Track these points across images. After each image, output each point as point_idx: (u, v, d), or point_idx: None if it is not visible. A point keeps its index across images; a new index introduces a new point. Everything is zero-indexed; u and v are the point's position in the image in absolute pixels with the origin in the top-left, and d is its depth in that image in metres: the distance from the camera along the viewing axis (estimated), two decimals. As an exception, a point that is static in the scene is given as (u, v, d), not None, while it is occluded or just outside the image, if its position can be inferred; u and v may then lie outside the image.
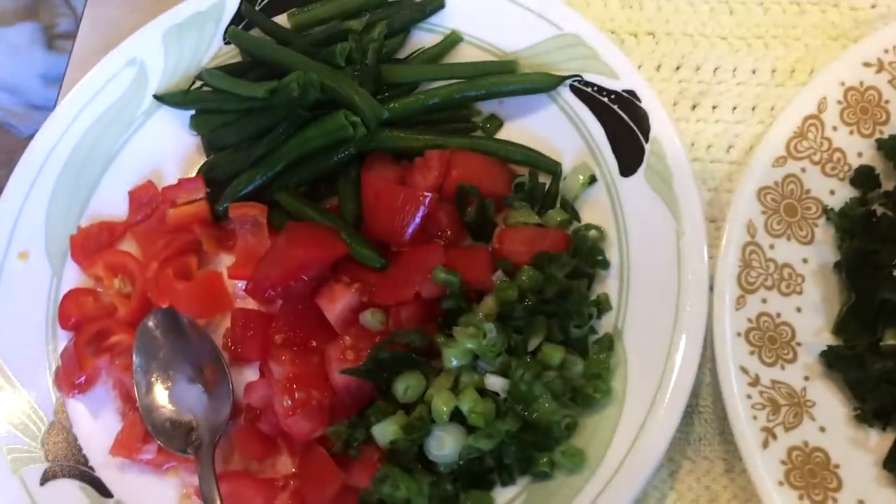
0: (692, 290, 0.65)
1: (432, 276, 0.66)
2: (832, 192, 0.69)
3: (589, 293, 0.69)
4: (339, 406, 0.68)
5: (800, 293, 0.67)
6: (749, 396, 0.63)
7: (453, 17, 0.80)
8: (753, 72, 0.77)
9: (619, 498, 0.61)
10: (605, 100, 0.73)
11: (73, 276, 0.79)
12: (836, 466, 0.61)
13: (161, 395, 0.72)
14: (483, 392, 0.64)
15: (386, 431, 0.64)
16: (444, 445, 0.63)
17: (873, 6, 0.78)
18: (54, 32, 2.78)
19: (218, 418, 0.71)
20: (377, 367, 0.65)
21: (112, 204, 0.82)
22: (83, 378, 0.74)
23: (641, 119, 0.71)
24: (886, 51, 0.71)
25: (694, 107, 0.77)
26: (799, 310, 0.66)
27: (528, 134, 0.76)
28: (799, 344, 0.65)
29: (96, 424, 0.74)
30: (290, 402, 0.65)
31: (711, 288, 0.66)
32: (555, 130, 0.75)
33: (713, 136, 0.76)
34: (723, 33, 0.79)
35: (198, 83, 0.82)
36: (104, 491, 0.71)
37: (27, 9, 2.76)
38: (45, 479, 0.71)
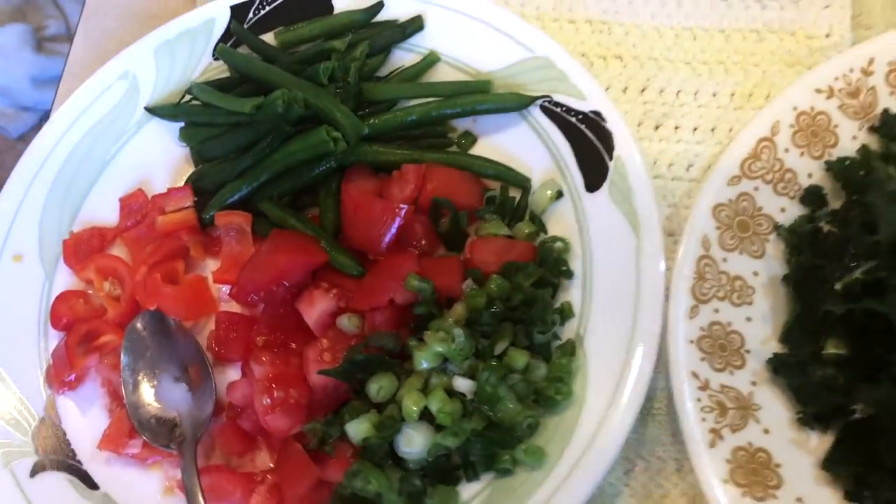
0: (649, 300, 0.69)
1: (406, 283, 0.70)
2: (783, 210, 0.74)
3: (553, 301, 0.73)
4: (316, 405, 0.71)
5: (750, 304, 0.71)
6: (699, 400, 0.67)
7: (432, 38, 0.85)
8: (714, 95, 0.82)
9: (576, 493, 0.65)
10: (573, 119, 0.78)
11: (65, 279, 0.82)
12: (778, 466, 0.66)
13: (147, 392, 0.76)
14: (451, 393, 0.68)
15: (359, 429, 0.68)
16: (414, 443, 0.67)
17: (827, 35, 0.83)
18: (43, 35, 2.80)
19: (201, 415, 0.74)
20: (352, 368, 0.69)
21: (103, 210, 0.85)
22: (73, 376, 0.77)
23: (606, 138, 0.76)
24: (837, 78, 0.76)
25: (657, 127, 0.82)
26: (749, 319, 0.71)
27: (500, 150, 0.81)
28: (748, 351, 0.70)
29: (84, 420, 0.77)
30: (269, 400, 0.69)
31: (667, 298, 0.70)
32: (525, 147, 0.80)
33: (674, 154, 0.81)
34: (686, 58, 0.84)
35: (187, 97, 0.86)
36: (91, 483, 0.74)
37: (16, 11, 2.79)
38: (35, 471, 0.74)
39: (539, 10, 0.89)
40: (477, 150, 0.82)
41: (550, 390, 0.69)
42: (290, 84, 0.78)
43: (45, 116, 2.63)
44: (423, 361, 0.68)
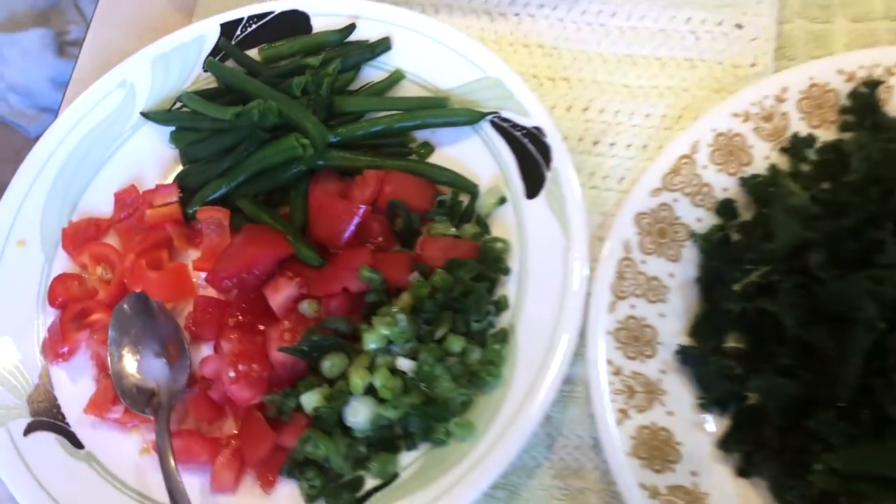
0: (573, 295, 0.78)
1: (359, 274, 0.79)
2: (699, 220, 0.82)
3: (492, 294, 0.82)
4: (276, 379, 0.81)
5: (664, 302, 0.80)
6: (611, 383, 0.75)
7: (398, 58, 0.94)
8: (647, 116, 0.91)
9: (498, 462, 0.73)
10: (518, 134, 0.87)
11: (63, 263, 0.92)
12: (678, 443, 0.74)
13: (130, 365, 0.85)
14: (394, 371, 0.78)
15: (311, 400, 0.77)
16: (359, 413, 0.76)
17: (752, 65, 0.92)
18: (65, 39, 2.93)
19: (176, 386, 0.84)
20: (308, 347, 0.78)
21: (100, 203, 0.95)
22: (66, 349, 0.87)
23: (545, 152, 0.85)
24: (753, 104, 0.85)
25: (596, 143, 0.91)
26: (662, 315, 0.79)
27: (453, 159, 0.90)
28: (659, 343, 0.78)
29: (74, 388, 0.87)
30: (234, 373, 0.79)
31: (591, 294, 0.79)
32: (476, 157, 0.89)
33: (609, 168, 0.89)
34: (626, 82, 0.93)
35: (178, 104, 0.96)
36: (77, 443, 0.84)
37: (40, 15, 2.92)
38: (28, 430, 0.84)
39: (497, 34, 0.98)
40: (433, 158, 0.91)
41: (483, 372, 0.78)
42: (267, 95, 0.88)
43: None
44: (371, 342, 0.77)
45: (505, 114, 0.88)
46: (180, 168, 0.95)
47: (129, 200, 0.93)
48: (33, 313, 0.90)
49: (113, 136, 0.97)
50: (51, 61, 2.73)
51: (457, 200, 0.87)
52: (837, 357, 0.69)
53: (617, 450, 0.73)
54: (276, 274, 0.83)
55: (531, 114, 0.87)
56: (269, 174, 0.88)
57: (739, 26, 0.93)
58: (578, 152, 0.90)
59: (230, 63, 0.97)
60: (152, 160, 0.97)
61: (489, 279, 0.82)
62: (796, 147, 0.83)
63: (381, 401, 0.77)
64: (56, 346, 0.87)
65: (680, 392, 0.77)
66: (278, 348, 0.79)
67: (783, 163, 0.83)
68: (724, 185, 0.83)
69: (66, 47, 2.84)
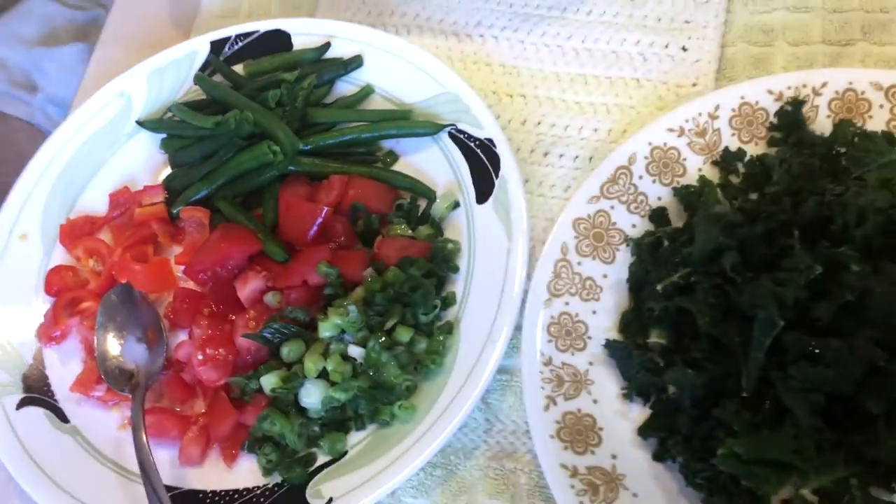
0: (512, 292, 0.85)
1: (317, 268, 0.87)
2: (634, 226, 0.89)
3: (441, 291, 0.89)
4: (242, 363, 0.89)
5: (597, 300, 0.86)
6: (542, 372, 0.82)
7: (369, 74, 1.03)
8: (595, 130, 0.98)
9: (436, 441, 0.80)
10: (472, 144, 0.95)
11: (60, 256, 1.01)
12: (601, 429, 0.80)
13: (114, 348, 0.94)
14: (346, 358, 0.85)
15: (269, 381, 0.85)
16: (311, 395, 0.84)
17: (694, 85, 0.98)
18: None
19: (153, 368, 0.92)
20: (270, 334, 0.86)
21: (96, 202, 1.04)
22: (58, 332, 0.96)
23: (495, 161, 0.93)
24: (687, 120, 0.91)
25: (546, 154, 0.98)
26: (594, 312, 0.86)
27: (414, 167, 0.98)
28: (590, 338, 0.85)
29: (63, 368, 0.95)
30: (202, 356, 0.87)
31: (528, 291, 0.86)
32: (434, 165, 0.97)
33: (557, 178, 0.96)
34: (577, 99, 1.00)
35: (169, 114, 1.05)
36: (63, 417, 0.92)
37: (79, 30, 3.08)
38: (20, 405, 0.92)
39: (463, 53, 1.06)
40: (397, 165, 0.99)
41: (427, 361, 0.85)
42: (244, 106, 0.97)
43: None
44: (325, 331, 0.85)
45: (461, 126, 0.96)
46: (169, 172, 1.04)
47: (122, 200, 1.02)
48: (31, 300, 0.99)
49: (111, 142, 1.06)
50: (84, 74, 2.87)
51: (415, 204, 0.95)
52: (743, 352, 0.75)
53: (542, 432, 0.79)
54: (246, 268, 0.91)
55: (484, 126, 0.94)
56: (245, 178, 0.97)
57: (685, 49, 1.00)
58: (530, 163, 0.97)
59: (218, 77, 1.06)
60: (145, 164, 1.06)
61: (438, 276, 0.89)
62: (726, 160, 0.90)
63: (333, 384, 0.84)
64: (49, 330, 0.96)
65: (606, 382, 0.83)
66: (243, 335, 0.87)
67: (714, 175, 0.90)
68: (658, 194, 0.90)
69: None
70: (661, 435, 0.79)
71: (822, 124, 0.89)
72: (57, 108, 3.13)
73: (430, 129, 0.97)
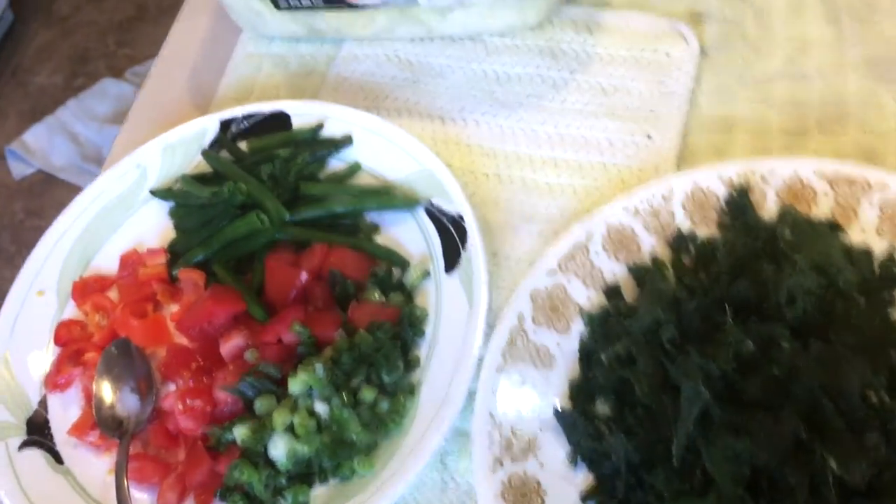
0: (469, 357, 0.91)
1: (291, 328, 0.95)
2: (589, 299, 0.95)
3: (407, 354, 0.96)
4: (220, 415, 0.96)
5: (550, 368, 0.92)
6: (491, 434, 0.87)
7: (358, 152, 1.13)
8: (561, 209, 1.05)
9: (394, 490, 0.85)
10: (444, 219, 1.03)
11: (71, 310, 1.11)
12: (545, 492, 0.84)
13: (109, 397, 1.02)
14: (312, 413, 0.92)
15: (240, 433, 0.91)
16: (278, 447, 0.90)
17: (656, 170, 1.05)
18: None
19: (142, 416, 1.00)
20: (244, 388, 0.94)
21: (109, 261, 1.15)
22: (62, 380, 1.05)
23: (463, 235, 1.00)
24: (643, 202, 0.98)
25: (514, 229, 1.05)
26: (546, 379, 0.91)
27: (393, 238, 1.06)
28: (540, 404, 0.90)
29: (64, 414, 1.03)
30: (182, 406, 0.94)
31: (482, 358, 0.92)
32: (410, 237, 1.05)
33: (523, 252, 1.03)
34: (547, 180, 1.08)
35: (178, 184, 1.16)
36: (59, 459, 1.00)
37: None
38: (22, 446, 1.01)
39: (446, 135, 1.15)
40: (378, 236, 1.07)
41: (388, 420, 0.91)
42: (241, 179, 1.07)
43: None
44: (293, 387, 0.92)
45: (435, 201, 1.04)
46: (175, 236, 1.14)
47: (130, 262, 1.12)
48: (43, 351, 1.09)
49: (125, 208, 1.17)
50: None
51: (389, 273, 1.03)
52: (674, 421, 0.79)
53: (488, 492, 0.84)
54: (230, 326, 1.00)
55: (455, 202, 1.02)
56: (238, 244, 1.06)
57: (649, 137, 1.07)
58: (498, 239, 1.04)
59: (224, 152, 1.17)
60: (154, 228, 1.16)
61: (404, 340, 0.96)
62: (678, 242, 0.95)
63: (298, 437, 0.90)
64: (54, 378, 1.05)
65: (553, 448, 0.87)
66: (220, 387, 0.94)
67: (667, 254, 0.96)
68: (613, 270, 0.96)
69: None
70: (602, 499, 0.83)
71: (770, 210, 0.94)
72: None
73: (409, 204, 1.05)
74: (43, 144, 3.22)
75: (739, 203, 0.94)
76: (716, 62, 1.12)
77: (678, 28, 1.15)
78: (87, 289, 1.11)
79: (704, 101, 1.10)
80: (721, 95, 1.09)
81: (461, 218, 1.01)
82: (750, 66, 1.11)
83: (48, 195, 3.13)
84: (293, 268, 1.01)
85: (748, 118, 1.07)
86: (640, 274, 0.94)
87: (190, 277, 1.07)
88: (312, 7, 1.20)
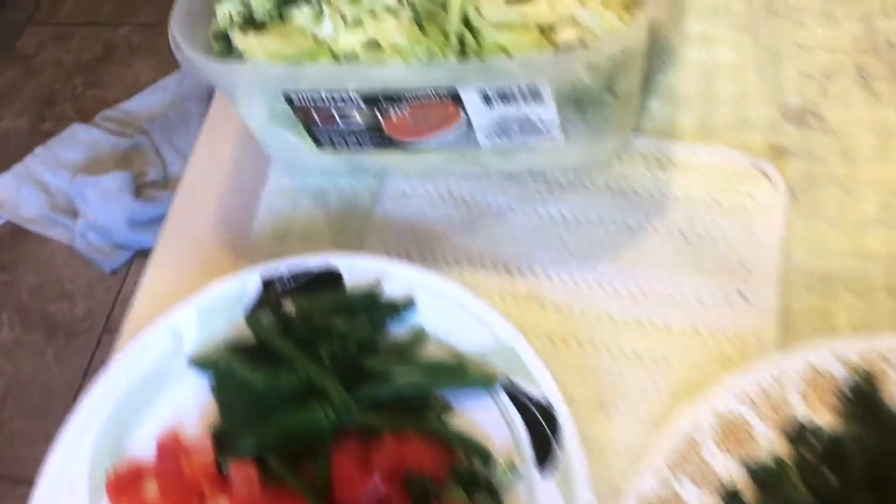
0: (578, 581, 0.81)
1: (367, 542, 0.84)
2: (703, 502, 0.85)
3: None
4: None
5: (668, 590, 0.82)
6: None
7: (421, 317, 1.02)
8: (657, 387, 0.95)
9: None
10: (528, 402, 0.92)
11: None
12: None
13: None
14: None
15: None
16: None
17: (756, 337, 0.96)
18: (143, 181, 3.19)
19: None
20: None
21: (142, 445, 1.02)
22: None
23: (553, 424, 0.90)
24: (751, 384, 0.89)
25: (605, 410, 0.95)
26: None
27: (468, 420, 0.95)
28: None
29: None
30: None
31: (595, 581, 0.82)
32: (489, 420, 0.94)
33: (619, 440, 0.93)
34: (634, 348, 0.98)
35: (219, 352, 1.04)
36: None
37: (122, 158, 3.18)
38: None
39: (515, 291, 1.05)
40: (451, 417, 0.96)
41: None
42: (298, 362, 0.96)
43: (136, 254, 2.99)
44: None
45: (516, 381, 0.94)
46: (219, 415, 1.02)
47: (169, 451, 1.00)
48: (75, 559, 0.96)
49: (158, 380, 1.05)
50: (128, 203, 2.97)
51: (471, 465, 0.92)
52: None
53: None
54: (294, 536, 0.88)
55: (541, 384, 0.92)
56: (297, 435, 0.95)
57: (743, 295, 0.98)
58: (587, 419, 0.95)
59: (267, 312, 1.06)
60: (192, 403, 1.04)
61: (491, 546, 0.85)
62: (798, 434, 0.86)
63: None
64: None
65: None
66: None
67: (783, 445, 0.86)
68: (727, 467, 0.87)
69: (144, 189, 3.08)
70: None
71: (893, 396, 0.86)
72: (97, 234, 3.22)
73: (487, 384, 0.95)
74: (10, 195, 3.05)
75: (867, 393, 0.85)
76: (804, 206, 1.04)
77: (759, 166, 1.07)
78: (122, 486, 0.99)
79: (797, 253, 1.01)
80: (815, 246, 1.01)
81: (549, 403, 0.91)
82: (842, 210, 1.03)
83: (17, 248, 2.96)
84: (365, 472, 0.90)
85: (848, 274, 0.98)
86: (762, 476, 0.84)
87: (241, 472, 0.95)
88: (360, 148, 1.10)
